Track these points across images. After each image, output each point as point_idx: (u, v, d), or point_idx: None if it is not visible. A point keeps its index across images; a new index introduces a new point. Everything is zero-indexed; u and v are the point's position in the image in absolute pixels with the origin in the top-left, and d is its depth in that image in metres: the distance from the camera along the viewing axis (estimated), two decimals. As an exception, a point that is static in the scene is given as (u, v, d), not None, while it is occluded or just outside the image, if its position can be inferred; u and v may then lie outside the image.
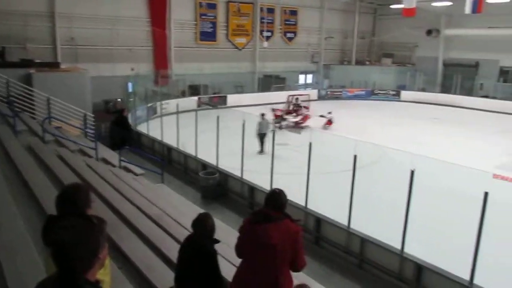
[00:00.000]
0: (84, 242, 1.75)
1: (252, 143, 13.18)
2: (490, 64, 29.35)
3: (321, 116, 20.15)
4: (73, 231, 1.74)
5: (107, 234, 1.90)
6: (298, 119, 20.23)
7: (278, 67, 30.20)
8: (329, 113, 20.38)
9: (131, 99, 19.16)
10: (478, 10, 19.94)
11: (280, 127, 18.49)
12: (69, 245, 1.71)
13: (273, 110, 20.20)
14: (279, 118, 19.73)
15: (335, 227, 8.72)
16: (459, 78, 28.71)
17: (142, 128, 17.56)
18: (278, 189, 3.63)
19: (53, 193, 5.66)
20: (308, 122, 19.95)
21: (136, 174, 11.05)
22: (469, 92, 28.98)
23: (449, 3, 27.93)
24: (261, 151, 14.81)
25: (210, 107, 22.88)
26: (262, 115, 15.39)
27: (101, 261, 1.83)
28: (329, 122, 20.22)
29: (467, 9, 20.07)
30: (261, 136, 14.93)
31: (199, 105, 20.27)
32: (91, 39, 22.32)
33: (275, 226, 3.35)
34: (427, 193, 10.23)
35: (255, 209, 3.66)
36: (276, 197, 3.51)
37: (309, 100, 24.62)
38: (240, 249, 3.55)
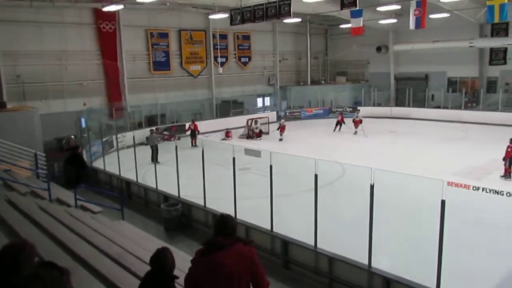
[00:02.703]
0: None
1: (214, 170, 13.19)
2: (439, 76, 31.04)
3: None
4: (42, 283, 1.61)
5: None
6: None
7: (235, 92, 30.57)
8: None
9: (85, 135, 18.75)
10: (421, 26, 21.15)
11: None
12: None
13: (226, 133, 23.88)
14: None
15: (303, 248, 8.78)
16: (411, 91, 30.04)
17: (98, 164, 17.17)
18: (225, 213, 3.61)
19: (2, 241, 5.41)
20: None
21: (94, 212, 10.73)
22: (421, 103, 30.35)
23: (395, 21, 29.47)
24: (156, 161, 16.47)
25: (165, 136, 22.80)
26: (151, 131, 19.73)
27: None
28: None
29: (411, 25, 21.24)
30: (152, 148, 17.52)
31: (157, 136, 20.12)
32: (39, 76, 21.79)
33: (227, 253, 3.29)
34: (388, 205, 10.54)
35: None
36: (224, 223, 3.46)
37: (269, 123, 24.99)
38: (191, 283, 3.35)
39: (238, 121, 26.10)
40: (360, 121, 24.13)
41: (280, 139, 22.98)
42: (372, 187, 7.29)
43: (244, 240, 3.43)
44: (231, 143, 19.51)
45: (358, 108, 29.21)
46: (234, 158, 9.63)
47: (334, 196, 12.53)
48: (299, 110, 31.53)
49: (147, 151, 18.30)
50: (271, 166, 8.97)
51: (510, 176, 14.25)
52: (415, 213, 11.04)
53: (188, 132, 22.64)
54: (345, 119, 24.80)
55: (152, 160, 16.95)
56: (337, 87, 34.20)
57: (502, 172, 14.34)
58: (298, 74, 36.49)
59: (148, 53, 26.48)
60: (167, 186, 12.81)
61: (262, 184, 10.91)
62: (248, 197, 11.86)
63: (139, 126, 24.32)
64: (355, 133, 23.64)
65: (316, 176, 8.15)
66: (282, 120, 23.96)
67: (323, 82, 36.68)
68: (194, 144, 21.63)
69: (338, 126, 24.84)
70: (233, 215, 9.92)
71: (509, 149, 14.15)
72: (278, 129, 23.40)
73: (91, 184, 15.30)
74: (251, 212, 10.47)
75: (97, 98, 23.81)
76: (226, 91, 30.26)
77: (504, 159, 14.23)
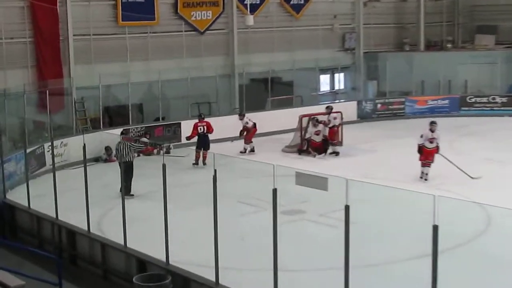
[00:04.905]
0: None
1: (235, 214, 13.21)
2: None
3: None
4: None
5: None
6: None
7: (277, 63, 30.67)
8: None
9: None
10: None
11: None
12: None
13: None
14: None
15: None
16: None
17: (17, 195, 17.45)
18: None
19: None
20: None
21: (8, 288, 10.91)
22: None
23: None
24: (128, 193, 16.42)
25: (142, 146, 22.94)
26: (122, 134, 19.07)
27: None
28: None
29: None
30: (124, 167, 16.74)
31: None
32: None
33: None
34: None
35: None
36: None
37: (342, 123, 24.86)
38: None
39: (281, 120, 26.13)
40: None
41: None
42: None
43: None
44: (266, 161, 19.54)
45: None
46: (275, 191, 9.62)
47: (472, 267, 12.33)
48: (402, 100, 31.29)
49: (109, 173, 18.49)
50: (347, 208, 8.91)
51: None
52: None
53: (193, 140, 22.65)
54: None
55: (122, 190, 17.07)
56: (478, 56, 33.74)
57: None
58: (401, 30, 36.34)
59: (115, -12, 26.98)
60: (146, 243, 12.89)
61: (328, 242, 10.80)
62: (302, 267, 11.82)
63: (94, 125, 24.67)
64: (335, 153, 23.97)
65: (435, 228, 8.04)
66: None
67: (449, 46, 36.27)
68: (202, 161, 21.52)
69: None
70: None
71: None
72: None
73: (3, 235, 15.54)
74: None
75: (18, 72, 24.32)
76: (260, 61, 30.39)
77: None
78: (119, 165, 17.14)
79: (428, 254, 8.24)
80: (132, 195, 16.91)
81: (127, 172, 17.39)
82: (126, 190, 16.67)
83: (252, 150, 24.07)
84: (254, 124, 24.27)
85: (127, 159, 17.89)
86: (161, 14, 28.27)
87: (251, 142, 24.22)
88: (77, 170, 16.72)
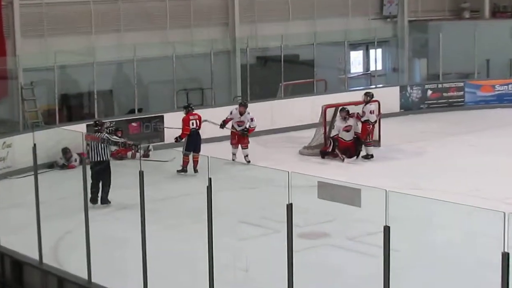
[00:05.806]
0: None
1: (235, 238, 13.23)
2: None
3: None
4: None
5: None
6: None
7: (292, 35, 30.84)
8: None
9: None
10: None
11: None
12: None
13: None
14: None
15: None
16: None
17: None
18: None
19: None
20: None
21: None
22: None
23: None
24: (105, 201, 17.16)
25: (115, 145, 22.95)
26: (96, 125, 19.42)
27: None
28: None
29: None
30: (99, 170, 17.39)
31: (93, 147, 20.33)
32: None
33: None
34: None
35: None
36: None
37: (379, 116, 24.90)
38: None
39: (298, 111, 26.25)
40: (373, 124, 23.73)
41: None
42: None
43: None
44: (278, 167, 19.58)
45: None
46: (290, 207, 9.63)
47: None
48: (461, 85, 31.38)
49: (68, 182, 18.53)
50: (386, 230, 8.91)
51: None
52: None
53: (182, 140, 22.38)
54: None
55: (94, 200, 17.00)
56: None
57: None
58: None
59: None
60: (117, 276, 12.94)
61: (360, 276, 10.80)
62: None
63: (48, 120, 24.73)
64: (368, 156, 23.98)
65: (505, 256, 8.03)
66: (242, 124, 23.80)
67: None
68: (192, 167, 21.39)
69: None
70: None
71: None
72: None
73: None
74: None
75: None
76: (270, 33, 30.60)
77: None
78: (91, 167, 17.15)
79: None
80: (109, 202, 16.99)
81: (103, 176, 17.39)
82: (102, 200, 16.81)
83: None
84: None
85: (103, 158, 17.87)
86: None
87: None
88: (25, 179, 16.79)
